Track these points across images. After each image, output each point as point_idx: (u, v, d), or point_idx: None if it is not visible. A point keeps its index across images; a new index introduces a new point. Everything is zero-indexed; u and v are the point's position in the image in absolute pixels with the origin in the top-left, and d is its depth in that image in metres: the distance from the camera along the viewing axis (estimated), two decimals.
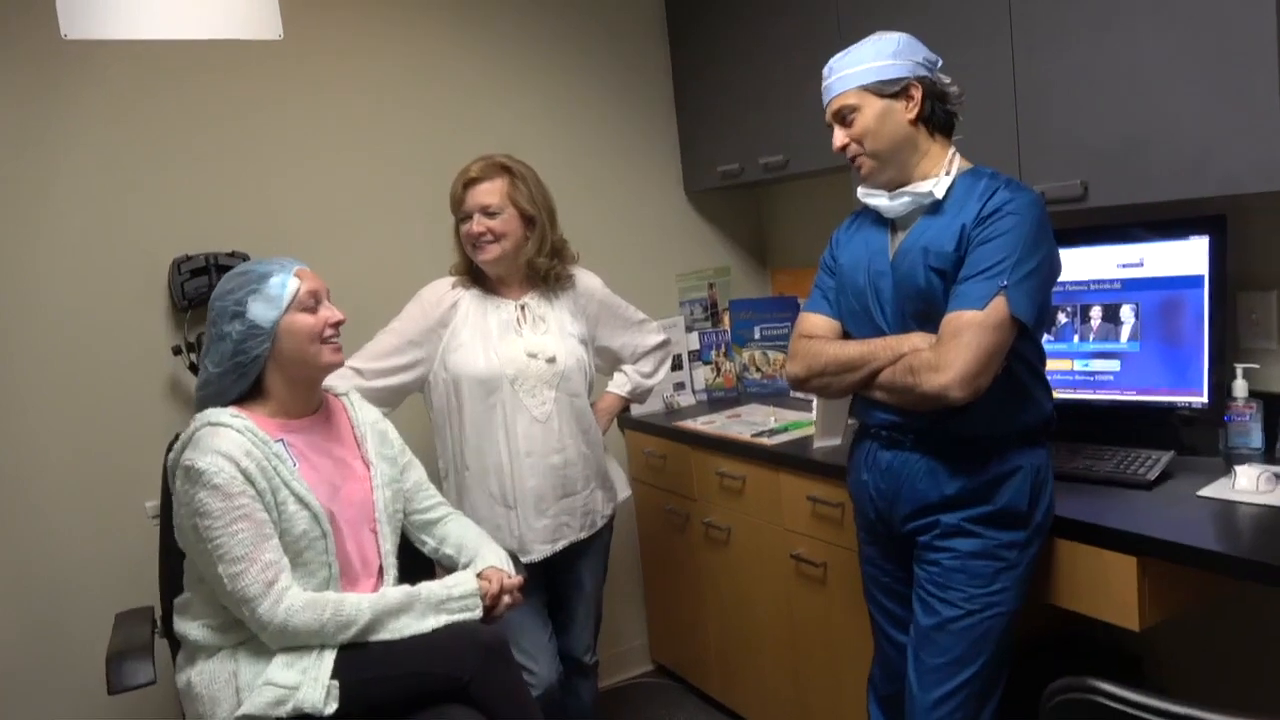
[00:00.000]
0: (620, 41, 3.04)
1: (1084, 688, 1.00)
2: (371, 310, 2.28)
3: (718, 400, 3.08)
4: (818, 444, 2.13)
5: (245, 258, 2.45)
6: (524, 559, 2.04)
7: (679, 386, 3.08)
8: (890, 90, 1.65)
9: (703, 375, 3.13)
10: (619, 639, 3.10)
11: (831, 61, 1.72)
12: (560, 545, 2.17)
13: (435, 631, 1.67)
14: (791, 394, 2.96)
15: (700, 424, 2.77)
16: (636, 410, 2.86)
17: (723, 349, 3.13)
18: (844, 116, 1.70)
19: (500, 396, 2.10)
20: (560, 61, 2.95)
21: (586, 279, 2.31)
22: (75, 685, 2.33)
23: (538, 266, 2.17)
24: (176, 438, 1.73)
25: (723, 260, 3.27)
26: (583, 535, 2.21)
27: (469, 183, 2.12)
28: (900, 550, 1.78)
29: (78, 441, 2.35)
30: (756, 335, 3.10)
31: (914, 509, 1.71)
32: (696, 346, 3.13)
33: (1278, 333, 1.93)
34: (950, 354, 1.55)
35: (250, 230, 2.50)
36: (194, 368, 2.40)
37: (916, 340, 1.64)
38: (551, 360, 2.13)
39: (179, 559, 1.76)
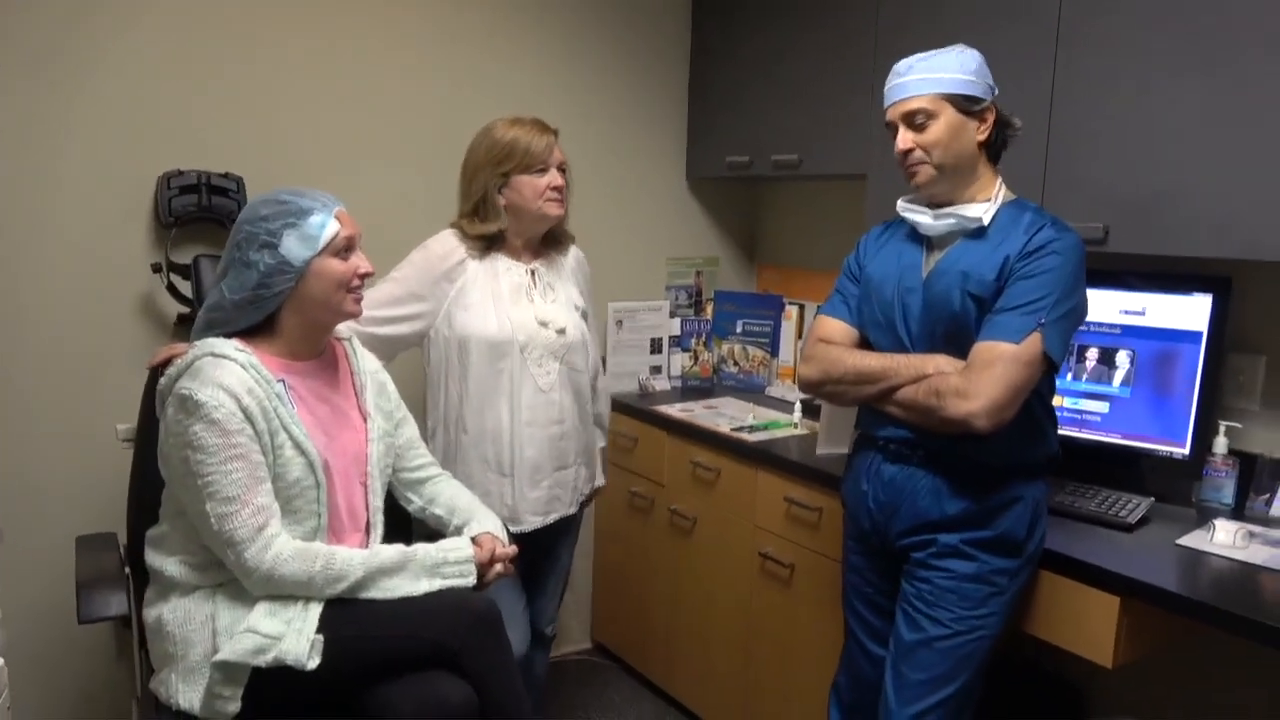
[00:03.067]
0: (640, 18, 2.98)
1: None
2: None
3: (691, 389, 3.07)
4: (821, 451, 2.14)
5: (239, 180, 2.35)
6: (515, 529, 2.00)
7: (655, 370, 3.06)
8: (971, 108, 1.64)
9: (680, 362, 3.12)
10: (559, 613, 3.07)
11: (911, 60, 1.67)
12: (552, 518, 2.14)
13: (426, 596, 1.62)
14: (767, 391, 2.99)
15: (677, 410, 2.76)
16: (611, 389, 2.83)
17: (703, 338, 3.13)
18: (915, 120, 1.65)
19: (509, 363, 2.05)
20: (575, 30, 2.88)
21: (583, 258, 2.29)
22: (20, 609, 2.21)
23: (557, 233, 2.13)
24: (168, 363, 1.65)
25: (713, 250, 3.25)
26: (571, 510, 2.19)
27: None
28: (889, 563, 1.80)
29: (44, 354, 2.22)
30: (738, 329, 3.10)
31: (912, 525, 1.72)
32: (677, 333, 3.11)
33: (1261, 396, 2.01)
34: (981, 383, 1.57)
35: (245, 154, 2.39)
36: (173, 289, 2.29)
37: (941, 362, 1.65)
38: (561, 332, 2.09)
39: (156, 488, 1.68)
